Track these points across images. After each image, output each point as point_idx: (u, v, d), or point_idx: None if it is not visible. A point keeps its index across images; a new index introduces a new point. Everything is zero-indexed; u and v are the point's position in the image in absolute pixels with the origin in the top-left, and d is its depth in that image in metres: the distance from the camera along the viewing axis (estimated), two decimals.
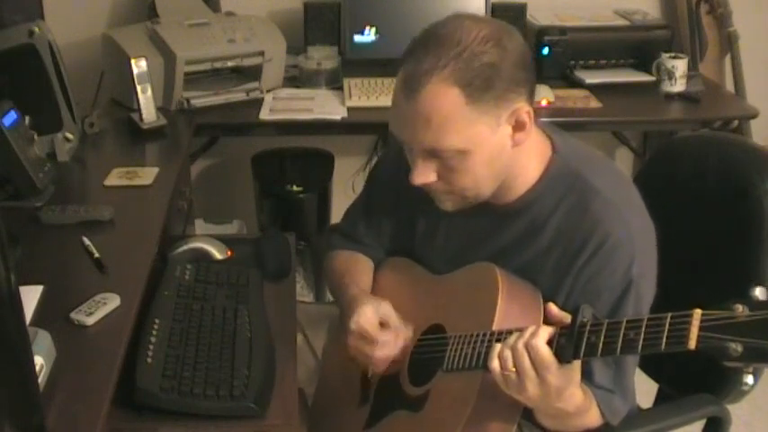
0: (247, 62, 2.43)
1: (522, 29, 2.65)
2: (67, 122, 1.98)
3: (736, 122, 2.67)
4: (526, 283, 1.29)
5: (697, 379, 1.43)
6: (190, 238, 1.76)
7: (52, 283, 1.38)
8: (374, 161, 2.82)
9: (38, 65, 1.91)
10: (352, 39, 2.61)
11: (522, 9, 2.70)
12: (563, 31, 2.64)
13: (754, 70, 2.87)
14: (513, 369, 1.13)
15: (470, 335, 1.25)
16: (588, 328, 1.09)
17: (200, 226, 2.73)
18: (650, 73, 2.59)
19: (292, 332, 1.48)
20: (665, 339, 1.00)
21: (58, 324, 1.26)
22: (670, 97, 2.55)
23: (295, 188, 2.70)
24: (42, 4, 2.27)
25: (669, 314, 1.01)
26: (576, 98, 2.51)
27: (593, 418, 1.26)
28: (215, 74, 2.45)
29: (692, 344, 0.97)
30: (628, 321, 1.06)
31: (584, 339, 1.09)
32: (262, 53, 2.43)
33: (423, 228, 1.45)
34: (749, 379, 0.99)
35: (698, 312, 0.98)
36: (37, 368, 1.08)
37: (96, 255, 1.49)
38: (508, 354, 1.14)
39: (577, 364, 1.14)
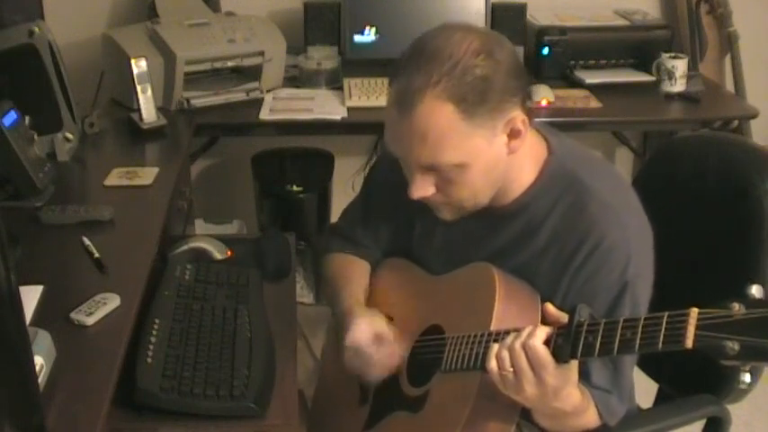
0: (247, 62, 2.43)
1: (522, 29, 2.66)
2: (67, 122, 1.98)
3: (736, 122, 2.67)
4: (524, 283, 1.29)
5: (697, 379, 1.43)
6: (190, 238, 1.76)
7: (52, 283, 1.38)
8: (374, 161, 2.82)
9: (38, 65, 1.91)
10: (352, 39, 2.61)
11: (522, 9, 2.70)
12: (563, 31, 2.64)
13: (754, 70, 2.87)
14: (511, 369, 1.13)
15: (468, 335, 1.25)
16: (585, 327, 1.09)
17: (200, 226, 2.73)
18: (650, 73, 2.59)
19: (292, 332, 1.48)
20: (661, 339, 1.00)
21: (58, 324, 1.26)
22: (670, 97, 2.55)
23: (295, 188, 2.70)
24: (42, 4, 2.28)
25: (666, 313, 1.01)
26: (576, 98, 2.51)
27: (591, 418, 1.26)
28: (215, 74, 2.46)
29: (689, 343, 0.97)
30: (625, 321, 1.06)
31: (582, 339, 1.09)
32: (262, 53, 2.43)
33: (420, 229, 1.45)
34: (746, 377, 0.99)
35: (695, 311, 0.98)
36: (37, 368, 1.08)
37: (96, 255, 1.49)
38: (505, 354, 1.14)
39: (574, 363, 1.14)
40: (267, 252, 1.68)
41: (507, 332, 1.17)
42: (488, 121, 1.19)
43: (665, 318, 1.01)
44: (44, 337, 1.17)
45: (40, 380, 1.08)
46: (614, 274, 1.24)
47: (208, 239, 1.72)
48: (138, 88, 2.13)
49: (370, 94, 2.44)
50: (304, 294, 2.74)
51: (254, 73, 2.46)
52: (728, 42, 2.85)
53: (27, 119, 1.75)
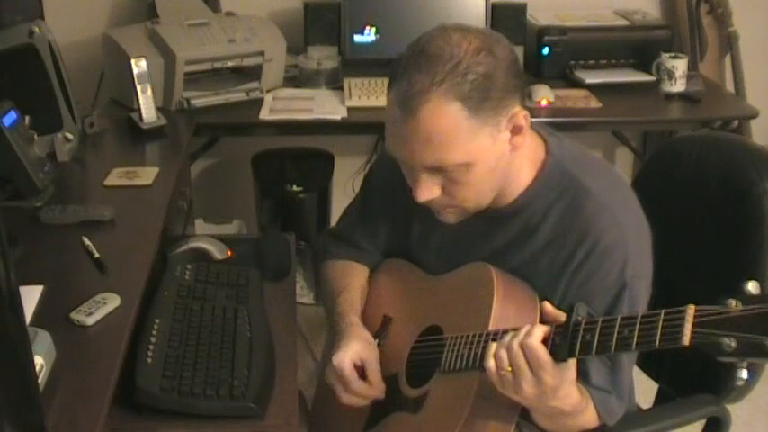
0: (247, 62, 2.43)
1: (522, 29, 2.66)
2: (67, 122, 1.98)
3: (736, 122, 2.67)
4: (522, 282, 1.29)
5: (696, 379, 1.43)
6: (190, 238, 1.76)
7: (52, 283, 1.38)
8: (372, 163, 2.82)
9: (38, 65, 1.91)
10: (352, 39, 2.61)
11: (522, 9, 2.70)
12: (563, 31, 2.64)
13: (754, 70, 2.87)
14: (509, 368, 1.13)
15: (467, 335, 1.25)
16: (583, 326, 1.09)
17: (200, 226, 2.73)
18: (650, 73, 2.59)
19: (292, 332, 1.48)
20: (659, 336, 1.00)
21: (57, 324, 1.26)
22: (670, 97, 2.55)
23: (295, 188, 2.70)
24: (42, 4, 2.27)
25: (663, 311, 1.01)
26: (576, 98, 2.51)
27: (590, 417, 1.26)
28: (215, 74, 2.46)
29: (686, 340, 0.97)
30: (622, 319, 1.06)
31: (579, 338, 1.09)
32: (262, 53, 2.43)
33: (418, 230, 1.45)
34: (744, 374, 0.99)
35: (691, 308, 0.98)
36: (37, 368, 1.08)
37: (96, 255, 1.49)
38: (503, 353, 1.14)
39: (573, 362, 1.14)
40: (267, 252, 1.68)
41: (506, 331, 1.17)
42: (492, 117, 1.18)
43: (662, 315, 1.01)
44: (44, 337, 1.17)
45: (40, 380, 1.08)
46: (612, 275, 1.24)
47: (208, 239, 1.72)
48: (138, 88, 2.13)
49: (370, 94, 2.45)
50: (304, 294, 2.74)
51: (254, 73, 2.46)
52: (728, 42, 2.85)
53: (27, 119, 1.75)
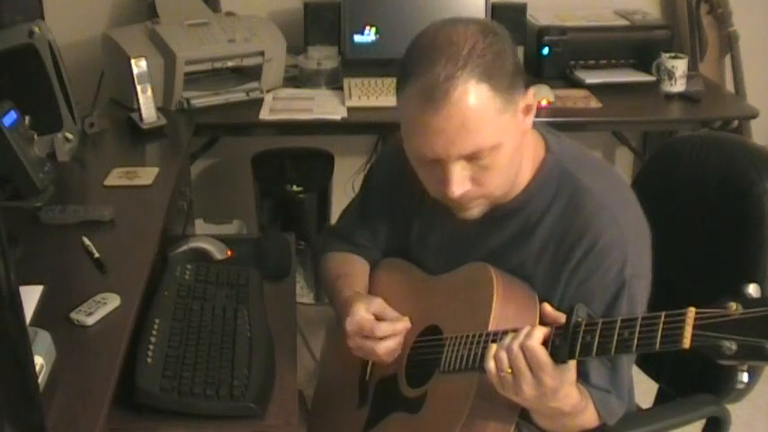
0: (247, 62, 2.44)
1: (522, 29, 2.66)
2: (67, 122, 1.98)
3: (736, 122, 2.67)
4: (522, 282, 1.29)
5: (696, 379, 1.43)
6: (190, 238, 1.76)
7: (52, 283, 1.38)
8: (373, 162, 2.82)
9: (38, 65, 1.91)
10: (352, 39, 2.61)
11: (522, 9, 2.70)
12: (563, 31, 2.64)
13: (754, 70, 2.87)
14: (509, 370, 1.13)
15: (466, 336, 1.25)
16: (583, 328, 1.09)
17: (200, 226, 2.73)
18: (650, 73, 2.59)
19: (292, 332, 1.48)
20: (659, 339, 1.00)
21: (57, 324, 1.26)
22: (670, 97, 2.55)
23: (295, 188, 2.70)
24: (42, 4, 2.27)
25: (663, 313, 1.01)
26: (576, 98, 2.51)
27: (590, 418, 1.26)
28: (215, 74, 2.46)
29: (687, 343, 0.97)
30: (622, 321, 1.06)
31: (579, 339, 1.09)
32: (262, 53, 2.43)
33: (417, 229, 1.45)
34: (744, 377, 0.99)
35: (692, 311, 0.98)
36: (37, 368, 1.08)
37: (96, 255, 1.49)
38: (503, 355, 1.14)
39: (573, 363, 1.14)
40: (267, 252, 1.68)
41: (505, 332, 1.17)
42: (512, 96, 1.19)
43: (663, 317, 1.01)
44: (44, 337, 1.17)
45: (40, 380, 1.08)
46: (611, 274, 1.24)
47: (208, 239, 1.72)
48: (138, 88, 2.13)
49: (370, 94, 2.44)
50: (304, 294, 2.74)
51: (254, 73, 2.46)
52: (728, 42, 2.85)
53: (27, 119, 1.75)
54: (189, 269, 1.53)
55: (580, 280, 1.25)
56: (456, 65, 1.15)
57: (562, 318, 1.13)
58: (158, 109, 2.19)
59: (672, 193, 1.55)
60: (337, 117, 2.37)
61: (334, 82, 2.56)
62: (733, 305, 0.95)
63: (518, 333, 1.14)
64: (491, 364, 1.15)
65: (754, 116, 2.54)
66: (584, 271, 1.25)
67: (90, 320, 1.29)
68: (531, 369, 1.12)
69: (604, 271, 1.24)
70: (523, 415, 1.25)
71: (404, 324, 1.36)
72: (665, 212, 1.35)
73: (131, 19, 2.62)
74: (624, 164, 3.13)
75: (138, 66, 2.13)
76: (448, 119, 1.16)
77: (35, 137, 1.75)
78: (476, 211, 1.30)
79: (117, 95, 2.39)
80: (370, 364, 1.45)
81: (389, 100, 2.42)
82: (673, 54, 2.57)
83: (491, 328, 1.22)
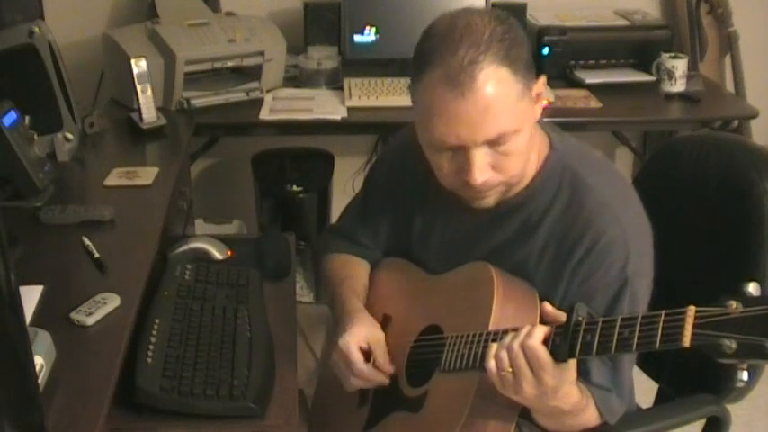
0: (247, 62, 2.44)
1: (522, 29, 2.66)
2: (67, 122, 1.98)
3: (736, 122, 2.67)
4: (522, 281, 1.29)
5: (696, 379, 1.43)
6: (190, 238, 1.76)
7: (52, 283, 1.38)
8: (374, 161, 2.82)
9: (38, 65, 1.91)
10: (352, 39, 2.61)
11: (522, 9, 2.69)
12: (563, 31, 2.64)
13: (754, 70, 2.87)
14: (510, 369, 1.13)
15: (467, 335, 1.25)
16: (583, 326, 1.09)
17: (200, 226, 2.73)
18: (650, 73, 2.59)
19: (292, 332, 1.48)
20: (659, 337, 1.00)
21: (57, 324, 1.26)
22: (670, 97, 2.55)
23: (295, 188, 2.70)
24: (42, 4, 2.27)
25: (663, 312, 1.01)
26: (576, 98, 2.51)
27: (591, 416, 1.26)
28: (215, 74, 2.46)
29: (687, 341, 0.97)
30: (622, 320, 1.06)
31: (580, 338, 1.09)
32: (262, 53, 2.43)
33: (419, 227, 1.45)
34: (744, 375, 0.99)
35: (692, 309, 0.98)
36: (37, 368, 1.08)
37: (96, 255, 1.49)
38: (504, 354, 1.14)
39: (573, 362, 1.14)
40: (267, 252, 1.68)
41: (506, 331, 1.17)
42: (528, 81, 1.20)
43: (663, 316, 1.01)
44: (44, 337, 1.17)
45: (40, 380, 1.08)
46: (613, 272, 1.24)
47: (208, 239, 1.72)
48: (138, 88, 2.13)
49: (370, 94, 2.45)
50: (304, 294, 2.74)
51: (254, 73, 2.46)
52: (728, 42, 2.85)
53: (27, 119, 1.75)
54: (189, 269, 1.53)
55: (582, 278, 1.25)
56: (479, 49, 1.16)
57: (562, 317, 1.13)
58: (158, 109, 2.19)
59: (672, 193, 1.55)
60: (337, 117, 2.37)
61: (334, 82, 2.56)
62: (733, 304, 0.95)
63: (518, 332, 1.14)
64: (492, 363, 1.15)
65: (754, 116, 2.54)
66: (586, 269, 1.25)
67: (90, 320, 1.29)
68: (531, 368, 1.12)
69: (606, 269, 1.24)
70: (524, 414, 1.25)
71: (383, 377, 1.35)
72: (665, 212, 1.35)
73: (131, 19, 2.62)
74: (624, 164, 3.13)
75: (138, 66, 2.13)
76: (474, 103, 1.16)
77: (35, 137, 1.75)
78: (491, 199, 1.29)
79: (117, 95, 2.39)
80: (371, 362, 1.45)
81: (389, 100, 2.42)
82: (673, 54, 2.57)
83: (491, 327, 1.22)
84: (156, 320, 1.36)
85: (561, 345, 1.11)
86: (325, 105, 2.43)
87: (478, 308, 1.25)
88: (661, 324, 1.01)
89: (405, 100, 2.37)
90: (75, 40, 2.54)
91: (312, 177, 2.75)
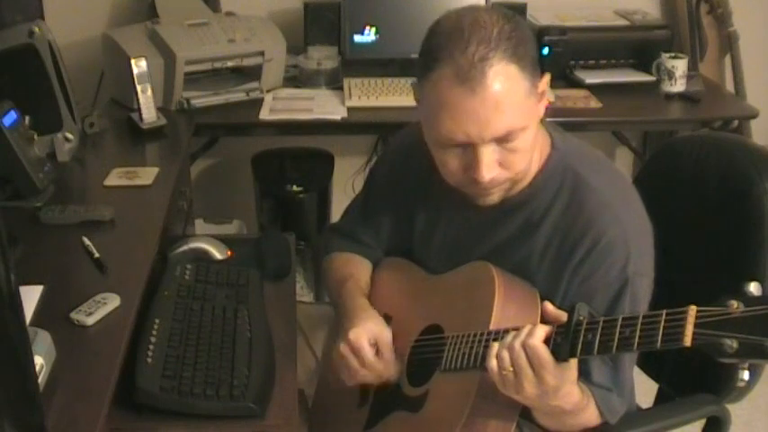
0: (247, 62, 2.43)
1: (527, 27, 2.66)
2: (67, 122, 1.98)
3: (736, 122, 2.67)
4: (523, 281, 1.29)
5: (696, 379, 1.43)
6: (190, 238, 1.76)
7: (52, 283, 1.38)
8: (374, 161, 2.82)
9: (38, 65, 1.91)
10: (352, 39, 2.61)
11: (522, 9, 2.69)
12: (563, 31, 2.64)
13: (754, 70, 2.87)
14: (511, 368, 1.13)
15: (468, 335, 1.25)
16: (584, 326, 1.09)
17: (200, 226, 2.73)
18: (650, 73, 2.59)
19: (292, 332, 1.47)
20: (660, 337, 1.01)
21: (57, 324, 1.26)
22: (670, 97, 2.55)
23: (295, 188, 2.70)
24: (42, 4, 2.27)
25: (664, 311, 1.01)
26: (576, 98, 2.51)
27: (592, 416, 1.26)
28: (215, 74, 2.46)
29: (688, 341, 0.97)
30: (623, 319, 1.06)
31: (581, 338, 1.09)
32: (262, 53, 2.43)
33: (421, 226, 1.45)
34: (745, 375, 0.99)
35: (693, 309, 0.98)
36: (37, 368, 1.08)
37: (96, 255, 1.49)
38: (505, 353, 1.14)
39: (574, 362, 1.14)
40: (267, 252, 1.68)
41: (507, 331, 1.17)
42: (534, 79, 1.20)
43: (664, 316, 1.01)
44: (44, 337, 1.17)
45: (40, 380, 1.08)
46: (614, 271, 1.24)
47: (208, 239, 1.72)
48: (138, 88, 2.13)
49: (370, 94, 2.45)
50: (304, 294, 2.74)
51: (254, 73, 2.46)
52: (728, 42, 2.85)
53: (27, 119, 1.75)
54: (189, 269, 1.53)
55: (583, 277, 1.25)
56: (488, 45, 1.16)
57: (563, 316, 1.14)
58: (158, 109, 2.19)
59: (672, 193, 1.55)
60: (337, 117, 2.37)
61: (334, 82, 2.56)
62: (734, 303, 0.95)
63: (520, 331, 1.15)
64: (493, 363, 1.15)
65: (754, 116, 2.54)
66: (587, 268, 1.25)
67: (90, 320, 1.29)
68: (532, 367, 1.12)
69: (607, 269, 1.24)
70: (524, 414, 1.25)
71: (390, 372, 1.35)
72: (665, 212, 1.35)
73: (131, 19, 2.62)
74: (624, 164, 3.13)
75: (138, 66, 2.13)
76: (483, 100, 1.16)
77: (35, 137, 1.75)
78: (496, 196, 1.30)
79: (117, 95, 2.39)
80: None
81: (389, 100, 2.42)
82: (673, 54, 2.57)
83: (492, 327, 1.22)
84: (156, 320, 1.36)
85: (562, 344, 1.11)
86: (325, 105, 2.43)
87: (479, 307, 1.25)
88: (662, 324, 1.01)
89: (405, 100, 2.39)
90: (75, 40, 2.54)
91: (312, 177, 2.75)
